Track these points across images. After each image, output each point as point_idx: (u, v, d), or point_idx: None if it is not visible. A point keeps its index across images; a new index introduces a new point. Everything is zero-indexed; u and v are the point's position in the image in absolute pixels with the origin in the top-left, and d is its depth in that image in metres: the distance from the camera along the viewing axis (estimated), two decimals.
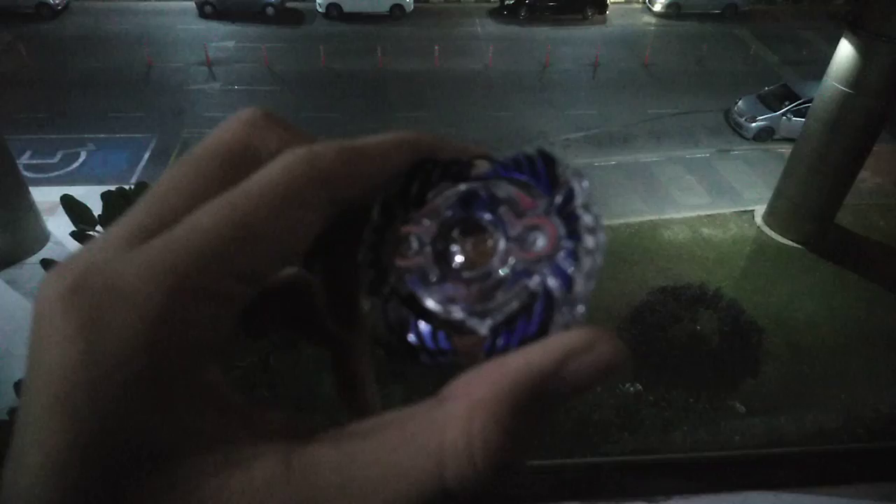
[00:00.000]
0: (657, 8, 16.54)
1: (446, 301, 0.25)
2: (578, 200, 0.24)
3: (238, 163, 0.25)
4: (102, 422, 0.19)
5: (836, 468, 1.71)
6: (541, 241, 0.24)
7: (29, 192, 7.85)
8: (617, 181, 9.86)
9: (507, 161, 0.27)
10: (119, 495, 0.19)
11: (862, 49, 8.01)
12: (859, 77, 8.07)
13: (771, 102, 11.38)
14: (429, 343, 0.25)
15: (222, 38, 14.02)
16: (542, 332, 0.23)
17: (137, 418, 0.19)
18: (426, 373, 0.26)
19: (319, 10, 15.32)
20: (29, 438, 0.20)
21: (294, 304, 0.32)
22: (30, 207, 7.81)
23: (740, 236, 9.23)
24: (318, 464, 0.20)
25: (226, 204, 0.23)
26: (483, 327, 0.24)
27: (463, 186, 0.27)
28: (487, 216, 0.26)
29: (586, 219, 0.24)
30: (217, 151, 0.26)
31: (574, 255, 0.24)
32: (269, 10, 14.95)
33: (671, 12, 16.40)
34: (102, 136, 10.37)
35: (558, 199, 0.25)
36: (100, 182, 7.46)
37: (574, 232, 0.24)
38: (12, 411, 1.41)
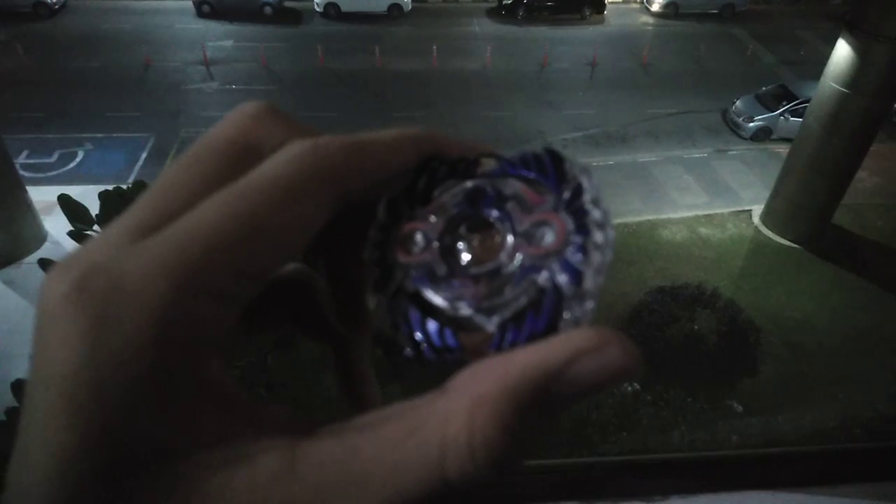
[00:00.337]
0: (655, 8, 16.56)
1: (453, 298, 0.25)
2: (587, 196, 0.24)
3: (241, 157, 0.25)
4: (108, 420, 0.19)
5: (834, 468, 1.71)
6: (549, 237, 0.24)
7: (26, 192, 7.82)
8: (615, 181, 9.85)
9: (513, 158, 0.27)
10: (125, 493, 0.19)
11: (859, 49, 8.02)
12: (857, 77, 8.08)
13: (768, 102, 11.39)
14: (435, 340, 0.25)
15: (220, 37, 14.00)
16: (551, 328, 0.23)
17: (143, 417, 0.19)
18: (428, 372, 0.26)
19: (317, 9, 15.31)
20: (34, 438, 0.19)
21: (297, 300, 0.32)
22: (27, 207, 7.79)
23: (738, 236, 9.24)
24: (321, 458, 0.20)
25: (228, 198, 0.23)
26: (490, 324, 0.24)
27: (469, 183, 0.27)
28: (495, 212, 0.26)
29: (595, 214, 0.24)
30: (219, 145, 0.25)
31: (583, 250, 0.23)
32: (267, 10, 14.94)
33: (669, 12, 16.42)
34: (100, 135, 10.35)
35: (566, 194, 0.25)
36: (97, 182, 7.38)
37: (583, 227, 0.24)
38: (10, 411, 1.40)
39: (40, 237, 7.87)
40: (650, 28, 16.09)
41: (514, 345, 0.23)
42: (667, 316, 6.93)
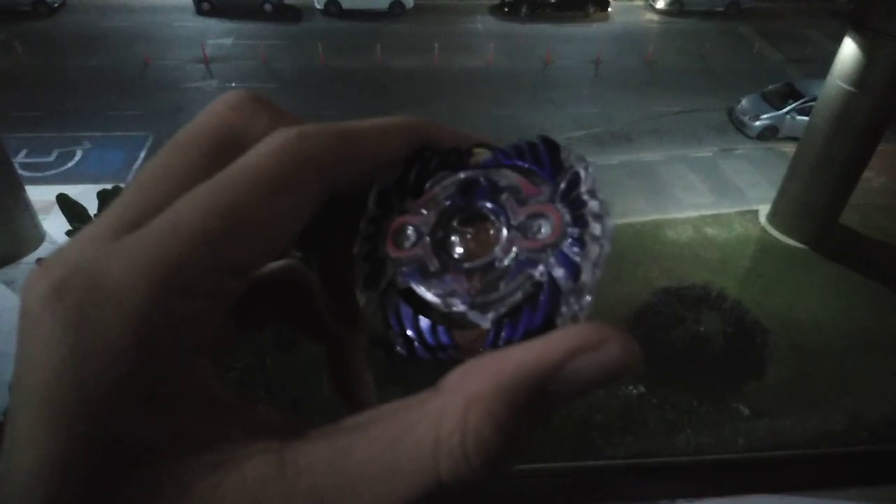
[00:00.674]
0: (660, 5, 16.50)
1: (446, 294, 0.24)
2: (584, 186, 0.24)
3: (223, 148, 0.24)
4: (91, 423, 0.19)
5: (841, 471, 1.69)
6: (545, 229, 0.23)
7: (24, 191, 7.80)
8: (619, 180, 9.79)
9: (508, 148, 0.26)
10: (110, 497, 0.19)
11: (866, 47, 7.95)
12: (863, 76, 8.01)
13: (775, 101, 11.31)
14: (428, 338, 0.24)
15: (220, 35, 13.95)
16: (548, 323, 0.22)
17: (126, 419, 0.19)
18: (431, 373, 0.23)
19: (318, 6, 15.26)
20: (19, 441, 0.19)
21: (288, 296, 0.31)
22: (25, 206, 7.77)
23: (744, 236, 9.17)
24: (311, 460, 0.20)
25: (209, 192, 0.22)
26: (485, 320, 0.23)
27: (462, 174, 0.26)
28: (488, 205, 0.25)
29: (592, 205, 0.23)
30: (201, 137, 0.24)
31: (580, 243, 0.23)
32: (267, 7, 14.89)
33: (674, 9, 16.34)
34: (99, 134, 10.30)
35: (562, 185, 0.24)
36: (96, 181, 7.38)
37: (580, 218, 0.23)
38: (7, 412, 1.35)
39: (39, 237, 7.85)
40: (655, 26, 16.03)
41: (509, 342, 0.23)
42: (672, 317, 6.91)
